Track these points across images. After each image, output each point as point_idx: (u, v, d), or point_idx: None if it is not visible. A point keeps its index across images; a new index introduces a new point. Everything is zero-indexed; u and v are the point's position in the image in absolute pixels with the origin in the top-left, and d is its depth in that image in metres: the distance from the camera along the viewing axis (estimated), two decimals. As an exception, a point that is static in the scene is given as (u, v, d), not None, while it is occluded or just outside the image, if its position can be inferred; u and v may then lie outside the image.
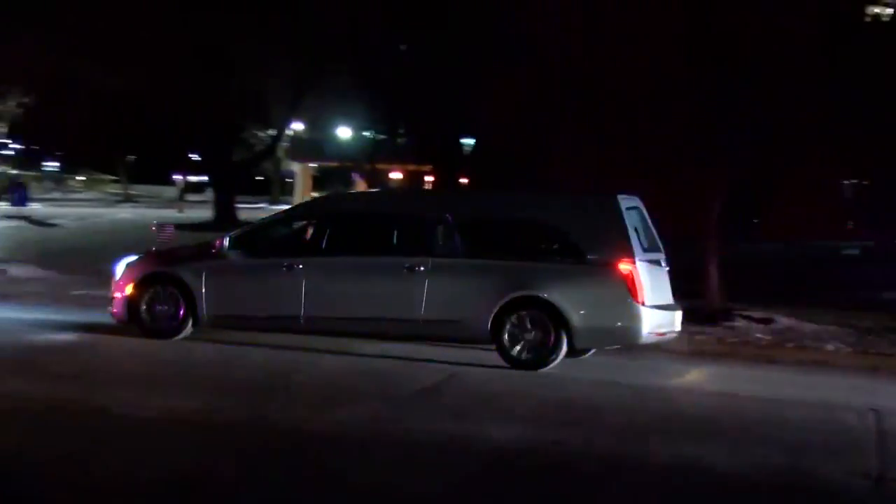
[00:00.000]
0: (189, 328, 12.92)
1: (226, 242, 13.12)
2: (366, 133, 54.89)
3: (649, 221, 12.96)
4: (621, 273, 11.83)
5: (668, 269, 12.89)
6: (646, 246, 12.45)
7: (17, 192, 37.85)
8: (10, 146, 21.68)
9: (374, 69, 40.62)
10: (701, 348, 14.65)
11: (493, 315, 11.88)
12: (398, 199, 16.15)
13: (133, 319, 12.97)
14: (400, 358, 12.40)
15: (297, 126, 62.29)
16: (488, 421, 9.18)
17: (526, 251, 12.55)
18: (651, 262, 12.35)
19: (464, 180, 47.11)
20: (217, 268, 12.96)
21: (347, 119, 55.93)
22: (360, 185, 50.47)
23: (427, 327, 12.29)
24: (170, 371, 11.24)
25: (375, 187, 23.41)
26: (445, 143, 46.27)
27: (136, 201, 74.23)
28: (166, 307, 12.89)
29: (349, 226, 13.27)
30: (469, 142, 45.86)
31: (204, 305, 12.71)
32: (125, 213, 54.99)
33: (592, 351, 12.88)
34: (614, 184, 16.20)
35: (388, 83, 42.02)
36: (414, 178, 56.96)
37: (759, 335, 15.56)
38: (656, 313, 12.14)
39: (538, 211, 13.03)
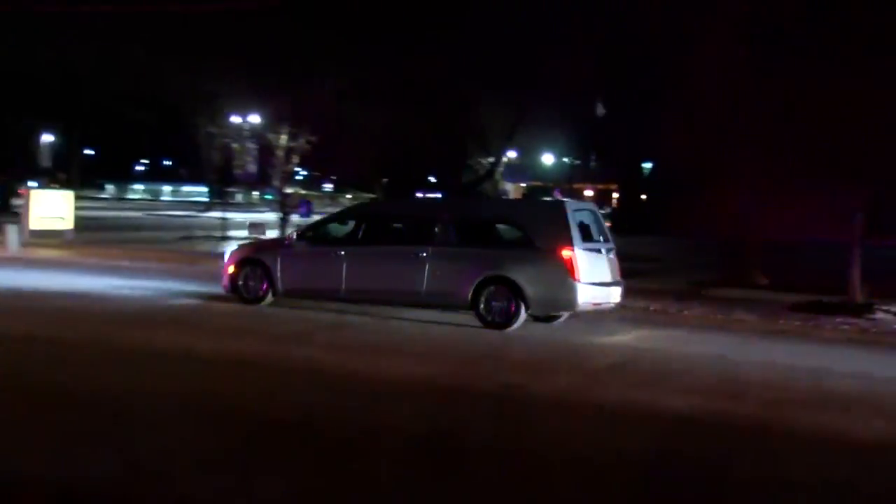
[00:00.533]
0: (270, 297, 14.01)
1: (294, 236, 14.81)
2: (565, 159, 54.62)
3: (602, 222, 14.14)
4: (562, 258, 12.60)
5: (612, 255, 13.55)
6: (595, 238, 13.33)
7: (305, 207, 39.55)
8: (300, 173, 22.96)
9: (575, 109, 40.40)
10: (847, 336, 13.84)
11: (472, 288, 12.78)
12: (411, 205, 17.15)
13: (234, 290, 14.21)
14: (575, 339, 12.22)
15: (511, 153, 62.66)
16: (669, 392, 8.91)
17: (497, 242, 13.60)
18: (591, 250, 13.02)
19: (643, 196, 46.13)
20: (287, 254, 14.14)
21: (550, 147, 55.78)
22: (561, 200, 50.43)
23: (427, 297, 13.19)
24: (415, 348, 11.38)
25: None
26: (628, 166, 45.47)
27: (388, 213, 76.44)
28: (254, 282, 14.09)
29: (377, 224, 14.37)
30: (647, 165, 44.85)
31: (279, 281, 13.91)
32: (381, 222, 56.64)
33: (564, 317, 13.45)
34: (779, 199, 15.59)
35: (585, 119, 41.67)
36: (603, 196, 56.15)
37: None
38: (591, 288, 12.82)
39: (506, 213, 14.55)
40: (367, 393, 8.31)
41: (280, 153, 21.61)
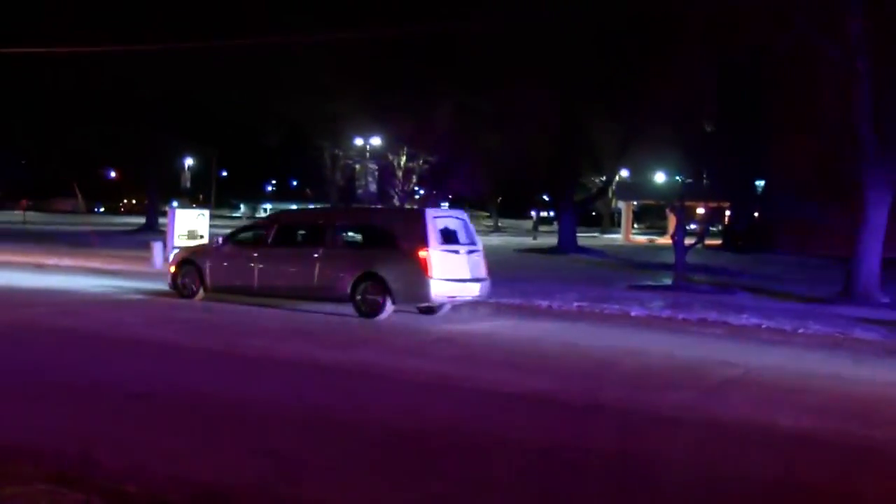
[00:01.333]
0: (201, 293, 15.99)
1: (220, 241, 16.74)
2: (677, 177, 53.54)
3: (470, 227, 15.55)
4: (419, 257, 14.11)
5: (475, 256, 15.00)
6: (459, 241, 14.84)
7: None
8: (418, 192, 23.48)
9: (687, 127, 39.66)
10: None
11: (351, 283, 14.39)
12: (309, 214, 18.59)
13: (174, 287, 16.29)
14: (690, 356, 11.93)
15: (623, 172, 61.88)
16: (782, 409, 8.62)
17: (372, 245, 15.27)
18: (448, 251, 14.45)
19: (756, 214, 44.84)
20: (214, 256, 16.17)
21: (662, 165, 54.82)
22: (672, 220, 49.18)
23: (317, 292, 14.94)
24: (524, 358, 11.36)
25: (681, 221, 22.97)
26: (741, 183, 44.27)
27: (503, 231, 76.31)
28: (189, 280, 16.12)
29: (284, 230, 16.05)
30: (760, 183, 43.57)
31: (207, 279, 15.91)
32: (496, 240, 56.65)
33: (447, 308, 14.97)
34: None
35: (697, 137, 40.83)
36: (715, 213, 54.69)
37: None
38: (446, 283, 14.28)
39: (381, 220, 16.38)
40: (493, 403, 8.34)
41: (399, 173, 22.00)
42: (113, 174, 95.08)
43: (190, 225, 25.13)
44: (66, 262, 23.41)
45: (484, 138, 36.04)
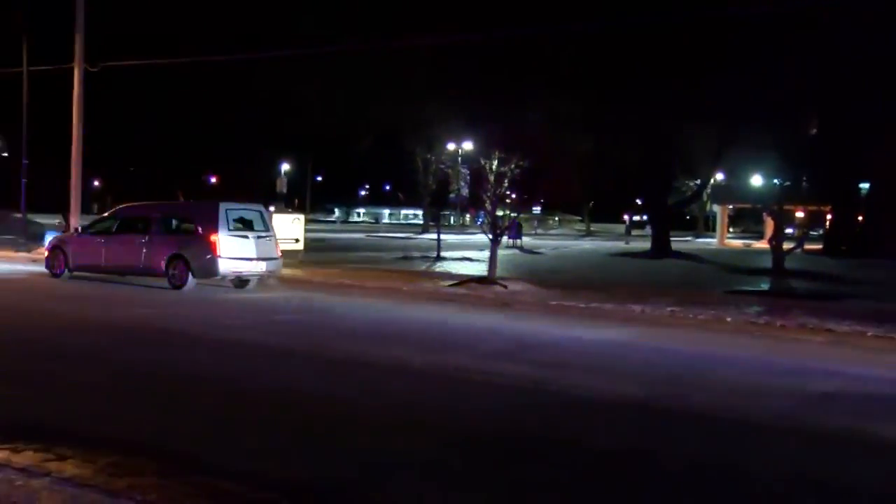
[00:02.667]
0: (67, 272, 19.61)
1: (79, 229, 21.71)
2: (775, 180, 52.02)
3: (266, 219, 19.30)
4: (211, 241, 17.84)
5: (265, 240, 18.63)
6: (252, 229, 18.58)
7: (514, 229, 39.86)
8: (510, 196, 23.41)
9: (786, 130, 38.51)
10: None
11: (165, 262, 18.18)
12: (141, 208, 20.63)
13: (48, 268, 19.99)
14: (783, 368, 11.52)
15: (718, 175, 60.47)
16: (885, 419, 8.24)
17: (181, 232, 18.93)
18: (237, 236, 18.13)
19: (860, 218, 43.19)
20: (75, 242, 20.23)
21: (759, 168, 53.28)
22: (770, 224, 48.01)
23: (144, 270, 18.61)
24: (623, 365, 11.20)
25: (779, 225, 22.39)
26: (843, 186, 42.76)
27: (595, 235, 75.53)
28: (57, 262, 19.86)
29: (125, 221, 19.71)
30: (865, 185, 41.99)
31: (70, 261, 19.64)
32: (587, 244, 56.11)
33: (252, 283, 18.82)
34: None
35: (796, 140, 39.60)
36: (815, 217, 52.93)
37: None
38: (232, 261, 17.96)
39: (186, 211, 20.19)
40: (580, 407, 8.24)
41: (491, 177, 21.99)
42: (213, 180, 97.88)
43: (286, 229, 25.64)
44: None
45: (576, 142, 35.82)
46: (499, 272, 21.66)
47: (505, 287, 19.67)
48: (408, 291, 19.32)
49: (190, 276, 17.86)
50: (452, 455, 6.55)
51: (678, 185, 59.78)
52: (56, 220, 32.53)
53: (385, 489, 5.71)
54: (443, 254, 32.16)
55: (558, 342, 12.66)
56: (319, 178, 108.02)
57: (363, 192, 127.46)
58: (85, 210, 31.50)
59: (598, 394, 8.95)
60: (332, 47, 35.30)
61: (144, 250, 18.56)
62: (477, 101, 42.81)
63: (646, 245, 43.40)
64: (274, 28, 41.97)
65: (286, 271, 22.79)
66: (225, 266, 17.86)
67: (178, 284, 17.87)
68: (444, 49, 33.79)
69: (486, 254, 23.34)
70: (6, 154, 60.02)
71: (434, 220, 59.89)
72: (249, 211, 19.09)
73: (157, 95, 46.20)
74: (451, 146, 65.80)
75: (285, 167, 77.53)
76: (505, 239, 31.53)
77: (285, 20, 43.01)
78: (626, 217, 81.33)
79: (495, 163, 22.63)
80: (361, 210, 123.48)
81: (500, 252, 23.68)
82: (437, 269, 26.78)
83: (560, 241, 57.72)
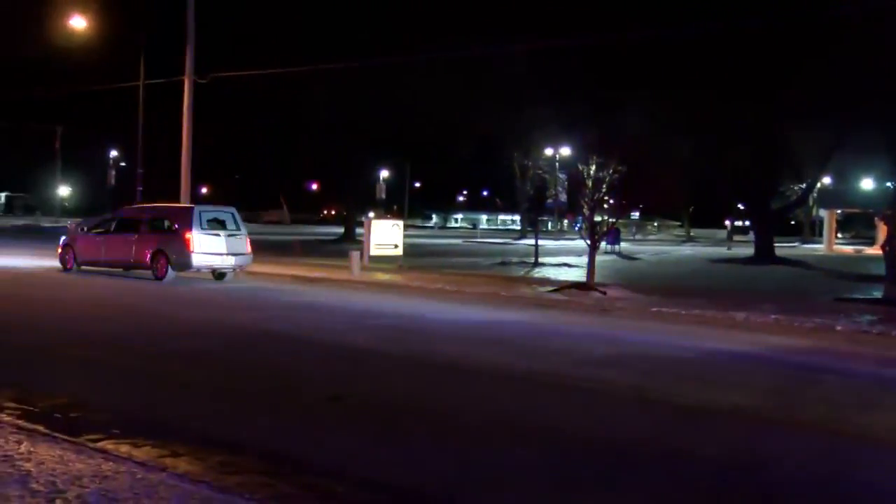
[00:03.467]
0: (75, 267, 22.54)
1: (86, 228, 24.00)
2: (888, 183, 49.89)
3: (237, 218, 21.91)
4: (185, 238, 20.58)
5: (236, 238, 21.28)
6: (225, 228, 21.36)
7: (612, 235, 39.31)
8: (608, 201, 23.07)
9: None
10: None
11: (150, 257, 20.93)
12: (134, 210, 24.05)
13: (61, 262, 22.88)
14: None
15: (825, 179, 58.39)
16: None
17: (163, 230, 21.46)
18: (209, 234, 20.89)
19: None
20: (81, 240, 23.07)
21: (870, 171, 51.29)
22: (882, 229, 46.11)
23: (134, 263, 21.40)
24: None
25: (892, 230, 21.41)
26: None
27: (695, 241, 73.94)
28: (68, 257, 22.80)
29: (121, 222, 22.76)
30: None
31: (76, 256, 22.69)
32: (687, 249, 55.01)
33: (229, 275, 21.59)
34: None
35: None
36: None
37: None
38: (204, 256, 20.70)
39: (168, 214, 22.28)
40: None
41: (589, 182, 21.76)
42: (314, 186, 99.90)
43: (385, 235, 25.94)
44: (273, 270, 24.76)
45: (676, 146, 35.14)
46: (597, 278, 21.45)
47: (604, 293, 19.46)
48: (506, 297, 19.29)
49: (169, 269, 20.64)
50: (563, 463, 6.52)
51: (783, 190, 57.96)
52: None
53: (497, 498, 5.71)
54: (541, 259, 32.03)
55: (659, 349, 12.43)
56: (418, 185, 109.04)
57: (461, 198, 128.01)
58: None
59: (706, 404, 8.73)
60: (429, 54, 35.60)
61: (134, 247, 21.49)
62: (575, 105, 42.51)
63: (749, 251, 42.25)
64: (374, 35, 42.60)
65: (384, 276, 23.11)
66: (197, 260, 20.64)
67: (159, 276, 20.61)
68: (541, 53, 33.67)
69: (585, 259, 23.14)
70: (123, 164, 62.72)
71: (532, 226, 59.66)
72: (223, 213, 22.09)
73: (261, 104, 47.49)
74: (548, 151, 65.46)
75: (384, 173, 78.59)
76: (603, 244, 31.17)
77: (383, 27, 43.61)
78: (727, 222, 79.34)
79: (593, 168, 22.41)
80: (459, 216, 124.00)
81: (599, 258, 23.44)
82: (536, 275, 26.68)
83: (659, 247, 56.73)
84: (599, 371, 10.31)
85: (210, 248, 20.75)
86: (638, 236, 76.23)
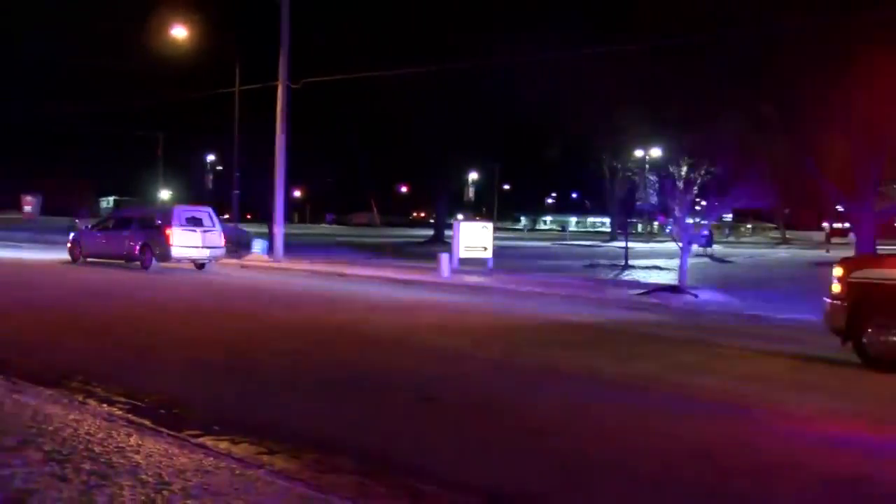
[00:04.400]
0: (81, 259, 26.18)
1: (90, 226, 28.48)
2: None
3: (213, 217, 25.30)
4: (165, 232, 24.01)
5: (212, 234, 24.85)
6: (202, 225, 24.78)
7: (705, 237, 38.47)
8: (700, 203, 22.67)
9: None
10: None
11: (139, 249, 24.46)
12: (128, 210, 27.10)
13: (70, 255, 26.56)
14: None
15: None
16: None
17: (150, 227, 24.78)
18: (187, 230, 24.29)
19: None
20: (85, 236, 26.89)
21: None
22: None
23: (127, 256, 24.79)
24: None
25: None
26: None
27: (790, 243, 71.84)
28: (77, 251, 26.46)
29: (118, 220, 26.64)
30: None
31: (82, 250, 26.31)
32: (783, 252, 53.51)
33: (210, 265, 25.42)
34: None
35: None
36: None
37: None
38: (181, 249, 24.18)
39: (153, 212, 26.68)
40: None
41: (680, 184, 21.36)
42: (403, 189, 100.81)
43: (474, 237, 26.01)
44: (364, 272, 25.15)
45: (772, 146, 34.15)
46: (689, 281, 21.07)
47: (696, 296, 19.15)
48: (595, 299, 19.13)
49: (154, 260, 24.18)
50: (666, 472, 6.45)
51: (885, 190, 55.74)
52: (238, 224, 34.59)
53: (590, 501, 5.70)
54: (631, 262, 31.65)
55: (755, 355, 12.16)
56: (507, 187, 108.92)
57: (550, 200, 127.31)
58: (287, 219, 33.29)
59: (806, 411, 8.51)
60: (521, 57, 35.56)
61: (127, 241, 24.97)
62: (666, 106, 41.79)
63: (849, 253, 40.74)
64: (462, 38, 42.76)
65: (474, 278, 23.19)
66: (176, 252, 24.16)
67: (146, 266, 24.25)
68: (632, 53, 33.25)
69: (676, 262, 22.78)
70: (220, 167, 64.52)
71: (622, 228, 58.97)
72: (200, 212, 25.47)
73: (354, 107, 48.26)
74: (638, 153, 64.52)
75: (473, 176, 78.80)
76: (695, 247, 30.59)
77: (472, 30, 43.72)
78: (825, 224, 76.80)
79: (684, 169, 22.04)
80: (548, 218, 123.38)
81: (691, 260, 23.02)
82: (626, 278, 26.38)
83: (754, 250, 55.34)
84: (689, 376, 10.16)
85: (187, 242, 24.32)
86: (731, 238, 74.49)
